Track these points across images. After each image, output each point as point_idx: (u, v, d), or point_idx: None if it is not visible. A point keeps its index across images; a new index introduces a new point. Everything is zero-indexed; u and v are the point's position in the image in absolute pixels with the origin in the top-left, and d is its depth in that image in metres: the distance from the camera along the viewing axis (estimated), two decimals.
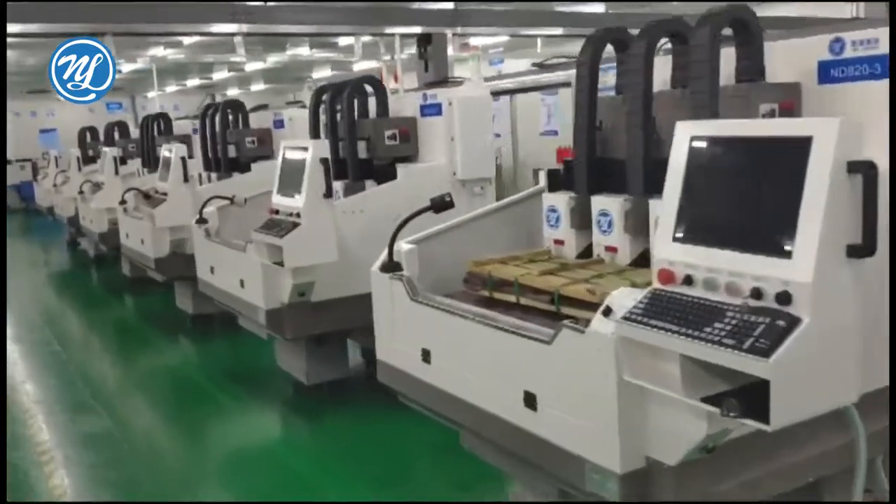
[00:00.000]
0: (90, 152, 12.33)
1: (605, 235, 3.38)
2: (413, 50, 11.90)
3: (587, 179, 3.48)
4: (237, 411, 5.95)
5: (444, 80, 7.71)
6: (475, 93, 5.41)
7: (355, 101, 5.66)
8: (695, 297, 2.14)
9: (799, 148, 1.99)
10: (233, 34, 10.57)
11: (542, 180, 3.82)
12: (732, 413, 1.99)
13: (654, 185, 3.18)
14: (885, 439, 2.71)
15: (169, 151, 7.39)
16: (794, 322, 1.92)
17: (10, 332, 8.64)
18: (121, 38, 9.71)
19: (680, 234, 2.24)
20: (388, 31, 11.08)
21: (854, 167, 1.98)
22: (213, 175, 7.80)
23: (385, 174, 5.52)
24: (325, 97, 5.80)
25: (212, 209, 6.23)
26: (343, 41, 15.21)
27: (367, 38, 11.94)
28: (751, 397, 2.02)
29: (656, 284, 2.26)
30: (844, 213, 1.99)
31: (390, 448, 4.96)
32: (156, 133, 9.80)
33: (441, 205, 3.74)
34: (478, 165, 5.37)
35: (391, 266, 3.54)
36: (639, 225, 3.24)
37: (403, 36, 11.12)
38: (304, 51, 16.96)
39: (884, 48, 2.83)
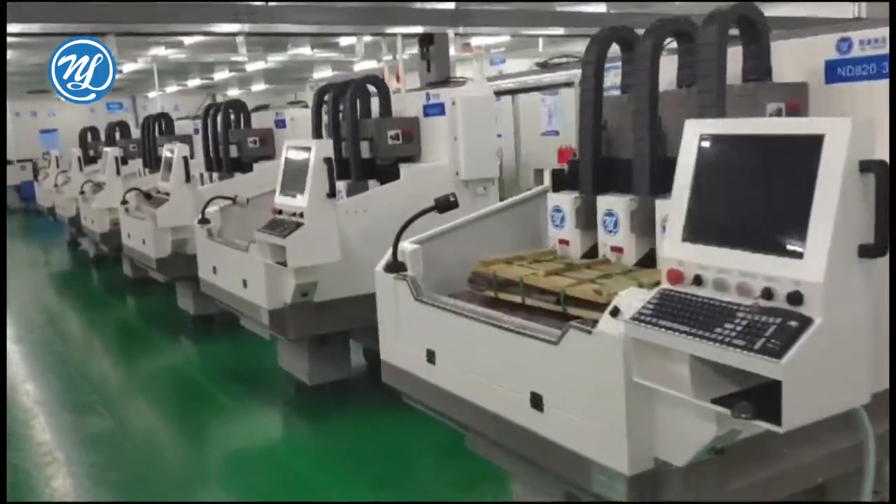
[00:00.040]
0: (91, 152, 12.33)
1: (610, 235, 3.36)
2: (414, 50, 11.88)
3: (593, 179, 3.47)
4: (239, 412, 5.94)
5: (445, 81, 7.70)
6: (478, 92, 5.39)
7: (358, 101, 5.65)
8: (705, 297, 2.12)
9: (810, 147, 1.97)
10: (235, 34, 10.56)
11: (547, 180, 3.81)
12: (744, 414, 1.97)
13: (661, 185, 3.18)
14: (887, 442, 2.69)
15: (171, 151, 7.38)
16: (805, 322, 1.91)
17: (11, 332, 8.63)
18: (122, 37, 9.70)
19: (689, 234, 2.22)
20: (390, 31, 11.06)
21: (866, 166, 1.96)
22: (215, 175, 7.78)
23: (388, 174, 5.51)
24: (327, 97, 5.79)
25: (214, 209, 6.22)
26: (344, 41, 15.20)
27: (368, 38, 11.92)
28: (761, 398, 2.01)
29: (665, 285, 2.24)
30: (856, 212, 1.97)
31: (393, 449, 4.95)
32: (157, 133, 9.79)
33: (445, 205, 3.72)
34: (481, 165, 5.36)
35: (395, 266, 3.52)
36: (645, 225, 3.22)
37: (405, 36, 11.09)
38: (305, 51, 16.95)
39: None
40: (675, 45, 3.32)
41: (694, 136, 2.26)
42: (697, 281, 2.15)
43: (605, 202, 3.39)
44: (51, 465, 5.08)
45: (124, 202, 8.28)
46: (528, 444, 2.83)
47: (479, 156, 5.33)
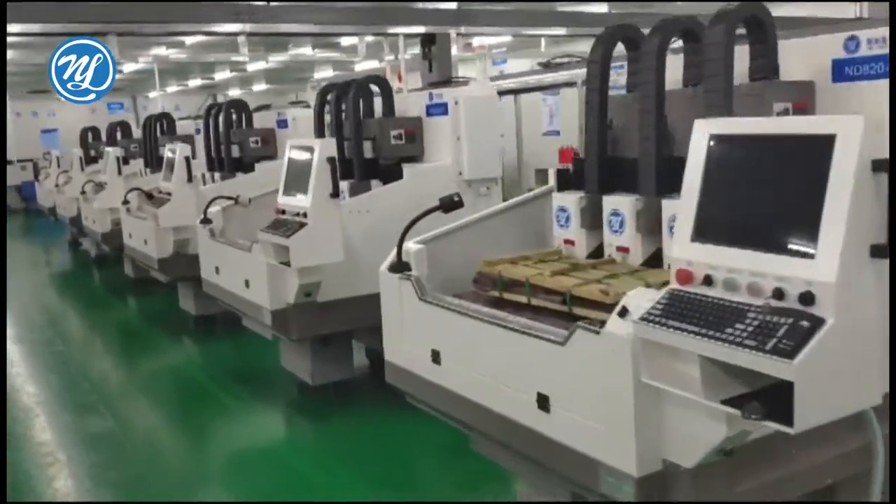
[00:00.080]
0: (92, 152, 12.32)
1: (616, 235, 3.35)
2: (415, 50, 11.87)
3: (598, 179, 3.45)
4: (241, 412, 5.92)
5: (447, 80, 7.68)
6: (482, 92, 5.38)
7: (361, 101, 5.63)
8: (715, 297, 2.10)
9: (822, 146, 1.95)
10: (236, 34, 10.54)
11: (552, 180, 3.80)
12: (754, 416, 1.95)
13: (667, 185, 3.17)
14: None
15: (172, 152, 7.36)
16: (817, 323, 1.89)
17: (12, 332, 8.63)
18: (124, 37, 9.68)
19: (699, 234, 2.20)
20: (392, 31, 11.05)
21: (878, 166, 1.94)
22: (216, 175, 7.76)
23: (390, 174, 5.49)
24: (330, 96, 5.76)
25: (216, 209, 6.19)
26: (345, 41, 15.18)
27: (370, 38, 11.91)
28: (771, 399, 1.99)
29: (674, 285, 2.22)
30: (868, 212, 1.96)
31: (395, 449, 4.94)
32: (159, 133, 9.78)
33: (450, 204, 3.70)
34: (484, 165, 5.34)
35: (400, 266, 3.51)
36: (651, 225, 3.21)
37: (407, 36, 11.08)
38: (306, 51, 16.94)
39: None
40: (678, 44, 3.31)
41: (704, 135, 2.24)
42: (707, 281, 2.14)
43: (610, 202, 3.37)
44: (52, 465, 5.06)
45: (126, 202, 8.26)
46: (534, 445, 2.82)
47: (483, 155, 5.31)
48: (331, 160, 4.69)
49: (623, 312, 2.35)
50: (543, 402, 2.71)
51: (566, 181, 3.67)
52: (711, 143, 2.22)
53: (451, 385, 3.25)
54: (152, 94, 23.17)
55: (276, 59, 16.11)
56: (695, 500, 2.44)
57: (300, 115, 7.32)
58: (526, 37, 13.53)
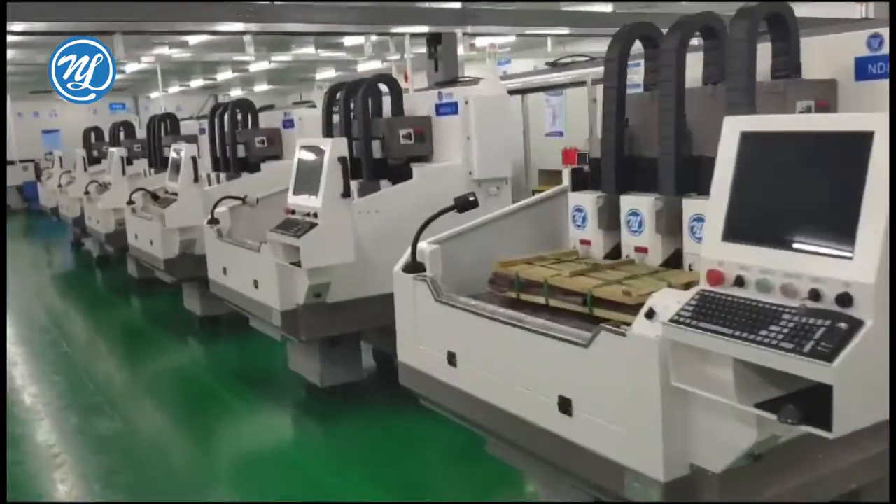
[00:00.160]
0: (95, 153, 12.28)
1: (635, 236, 3.31)
2: (420, 50, 11.83)
3: (615, 178, 3.41)
4: (249, 414, 5.87)
5: (454, 80, 7.64)
6: (492, 91, 5.33)
7: (369, 100, 5.59)
8: (747, 298, 2.05)
9: (860, 144, 1.90)
10: (241, 33, 10.49)
11: (566, 180, 3.76)
12: (791, 419, 1.91)
13: (687, 184, 3.13)
14: None
15: (178, 152, 7.31)
16: (856, 325, 1.84)
17: (18, 332, 8.59)
18: (127, 37, 9.64)
19: (730, 234, 2.15)
20: (397, 30, 11.01)
21: None
22: (222, 175, 7.72)
23: (400, 174, 5.45)
24: (338, 96, 5.72)
25: (223, 209, 6.15)
26: (349, 41, 15.14)
27: (375, 38, 11.87)
28: (804, 403, 1.95)
29: (704, 285, 2.17)
30: None
31: (405, 451, 4.89)
32: (163, 133, 9.74)
33: (465, 204, 3.67)
34: (494, 165, 5.30)
35: (414, 266, 3.47)
36: (671, 224, 3.17)
37: (413, 36, 11.04)
38: (309, 51, 16.90)
39: None
40: (693, 42, 3.27)
41: (734, 132, 2.19)
42: (739, 282, 2.09)
43: (628, 202, 3.33)
44: (62, 467, 5.01)
45: (131, 202, 8.22)
46: (554, 449, 2.77)
47: (493, 155, 5.27)
48: (342, 160, 4.64)
49: (650, 314, 2.31)
50: (565, 406, 2.67)
51: (582, 181, 3.64)
52: (742, 140, 2.17)
53: (467, 387, 3.21)
54: (154, 95, 23.14)
55: (278, 60, 16.06)
56: None
57: (307, 115, 7.27)
58: (530, 36, 13.49)
